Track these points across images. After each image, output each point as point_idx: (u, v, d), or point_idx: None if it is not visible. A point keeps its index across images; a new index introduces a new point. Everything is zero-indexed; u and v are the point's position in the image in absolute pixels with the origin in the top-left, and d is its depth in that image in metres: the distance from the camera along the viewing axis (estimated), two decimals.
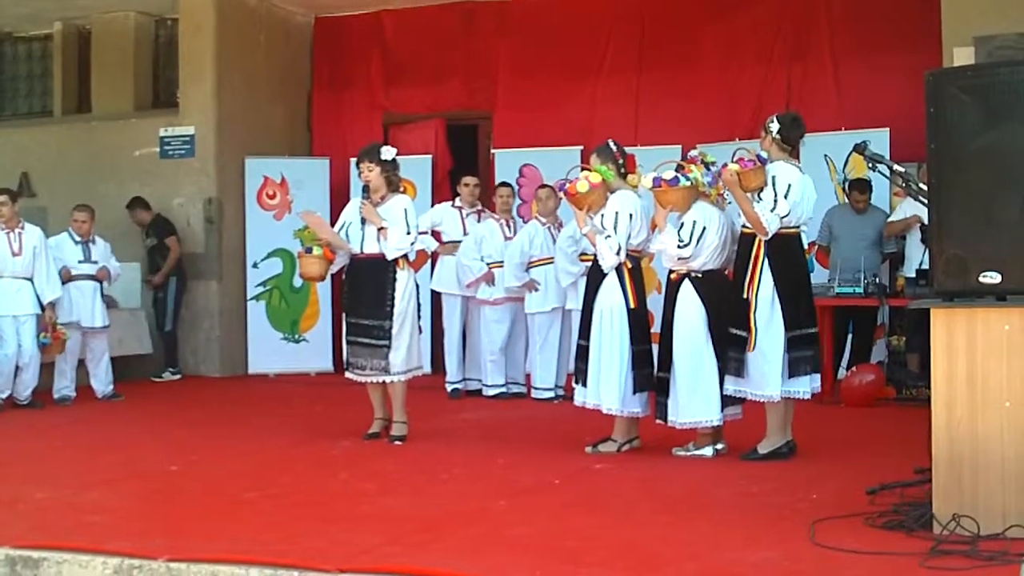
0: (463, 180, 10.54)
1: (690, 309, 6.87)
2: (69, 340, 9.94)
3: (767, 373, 6.63)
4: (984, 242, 4.77)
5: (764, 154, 6.72)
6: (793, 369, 6.65)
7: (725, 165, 6.70)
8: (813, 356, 6.76)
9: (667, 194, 6.90)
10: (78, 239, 10.25)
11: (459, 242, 10.14)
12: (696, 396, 6.83)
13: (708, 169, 6.90)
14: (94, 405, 10.00)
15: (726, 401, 6.84)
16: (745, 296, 6.65)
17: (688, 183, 6.85)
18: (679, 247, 6.82)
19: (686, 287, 6.90)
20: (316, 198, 11.76)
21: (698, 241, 6.80)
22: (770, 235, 6.59)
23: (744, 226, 6.75)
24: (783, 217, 6.60)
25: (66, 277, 10.04)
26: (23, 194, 11.67)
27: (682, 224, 6.87)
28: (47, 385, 9.97)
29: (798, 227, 6.75)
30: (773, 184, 6.61)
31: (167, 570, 4.63)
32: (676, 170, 6.91)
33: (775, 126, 6.75)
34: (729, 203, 7.09)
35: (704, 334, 6.84)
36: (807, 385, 6.73)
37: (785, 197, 6.59)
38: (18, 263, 9.66)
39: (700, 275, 6.88)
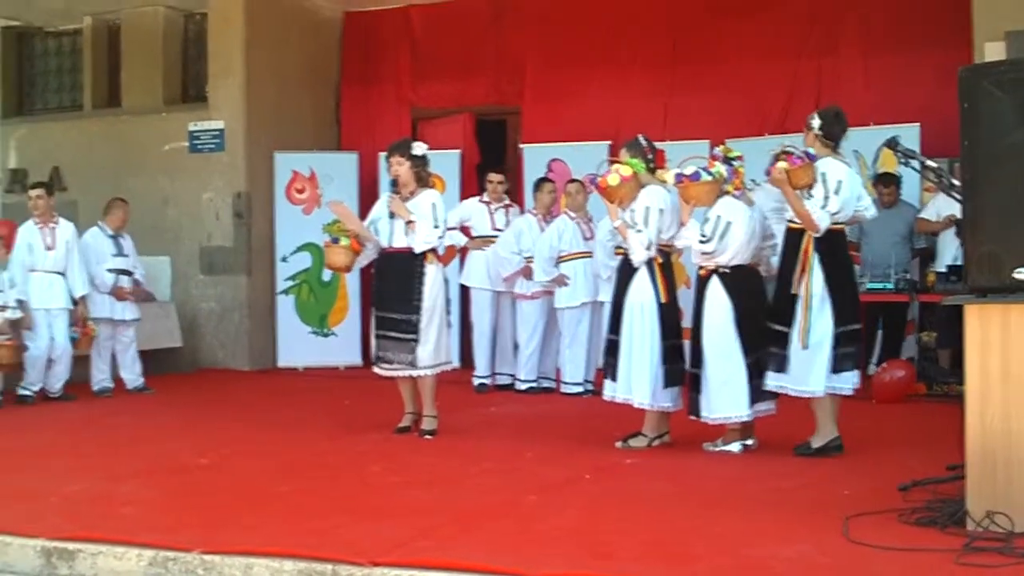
0: (488, 176, 10.55)
1: (718, 305, 6.85)
2: (101, 333, 10.01)
3: (812, 369, 6.59)
4: (1018, 238, 4.75)
5: (812, 150, 6.65)
6: (839, 365, 6.61)
7: (774, 164, 6.62)
8: (856, 352, 6.73)
9: (689, 189, 6.89)
10: (110, 232, 10.26)
11: (488, 237, 10.16)
12: (725, 391, 6.82)
13: (730, 164, 6.87)
14: (125, 398, 10.06)
15: (760, 396, 6.81)
16: (794, 292, 6.60)
17: (710, 178, 6.83)
18: (701, 242, 6.80)
19: (714, 283, 6.87)
20: (345, 192, 11.75)
21: (722, 236, 6.77)
22: (821, 232, 6.53)
23: (791, 222, 6.69)
24: (834, 214, 6.55)
25: (119, 296, 10.13)
26: (54, 188, 11.72)
27: (706, 219, 6.86)
28: (79, 378, 10.03)
29: (845, 223, 6.70)
30: (824, 181, 6.55)
31: (201, 562, 4.67)
32: (702, 168, 6.88)
33: (816, 122, 6.70)
34: (751, 191, 7.05)
35: (732, 330, 6.81)
36: (851, 381, 6.69)
37: (836, 193, 6.53)
38: (51, 257, 9.73)
39: (728, 270, 6.85)
